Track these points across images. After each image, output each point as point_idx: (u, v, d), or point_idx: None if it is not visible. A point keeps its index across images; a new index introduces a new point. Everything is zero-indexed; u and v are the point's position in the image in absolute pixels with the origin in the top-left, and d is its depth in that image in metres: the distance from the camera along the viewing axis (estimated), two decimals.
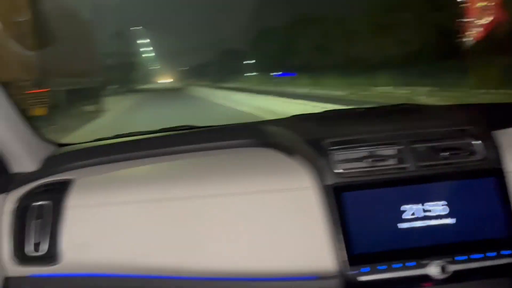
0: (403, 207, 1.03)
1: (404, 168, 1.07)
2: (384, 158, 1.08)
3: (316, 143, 1.11)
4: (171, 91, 35.94)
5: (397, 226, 1.03)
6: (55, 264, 1.06)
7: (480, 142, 1.10)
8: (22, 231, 1.08)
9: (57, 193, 1.12)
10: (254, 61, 54.74)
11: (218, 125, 1.48)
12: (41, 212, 1.09)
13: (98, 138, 1.45)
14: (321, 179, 1.06)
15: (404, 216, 1.03)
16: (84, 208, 1.09)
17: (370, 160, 1.07)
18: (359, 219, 1.03)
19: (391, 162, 1.08)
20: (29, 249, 1.07)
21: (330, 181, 1.05)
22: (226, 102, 17.87)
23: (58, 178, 1.19)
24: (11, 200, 1.12)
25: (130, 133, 1.47)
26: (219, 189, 1.09)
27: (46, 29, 7.40)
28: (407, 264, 1.00)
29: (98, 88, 13.75)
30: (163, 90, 39.25)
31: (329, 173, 1.05)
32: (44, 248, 1.06)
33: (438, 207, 1.04)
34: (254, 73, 54.07)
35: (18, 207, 1.10)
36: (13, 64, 6.39)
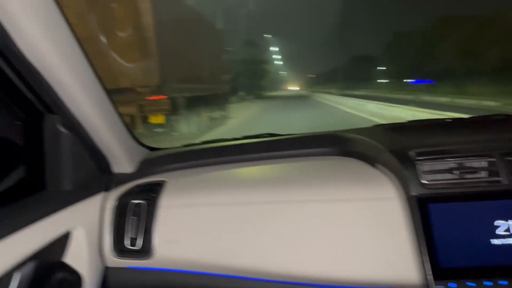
0: (496, 222, 0.96)
1: (497, 181, 0.99)
2: (474, 170, 1.02)
3: (401, 153, 1.08)
4: (298, 98, 35.77)
5: (489, 242, 0.96)
6: (148, 258, 1.13)
7: None
8: (121, 226, 1.17)
9: (152, 193, 1.21)
10: (385, 67, 51.73)
11: (300, 134, 1.49)
12: (137, 210, 1.18)
13: (187, 144, 1.54)
14: (406, 189, 1.02)
15: (497, 231, 0.96)
16: (174, 208, 1.16)
17: (458, 172, 1.01)
18: (446, 232, 0.98)
19: (482, 174, 1.02)
20: (127, 243, 1.15)
21: (416, 192, 1.00)
22: (355, 111, 16.87)
23: (152, 179, 1.27)
24: (112, 197, 1.21)
25: (216, 139, 1.54)
26: (301, 195, 1.10)
27: (169, 35, 7.52)
28: (500, 282, 0.94)
29: (223, 95, 13.87)
30: (290, 97, 39.32)
31: (414, 183, 1.01)
32: (139, 243, 1.15)
33: None
34: (386, 80, 51.39)
35: (118, 204, 1.19)
36: (135, 70, 6.53)
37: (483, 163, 1.03)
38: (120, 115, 1.22)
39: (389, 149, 1.13)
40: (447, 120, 1.49)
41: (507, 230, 0.97)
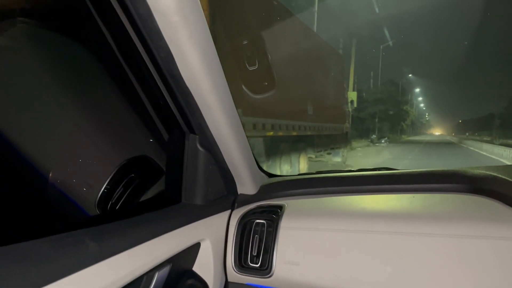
0: None
1: None
2: None
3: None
4: (443, 146, 31.63)
5: None
6: (268, 277, 1.18)
7: None
8: (244, 243, 1.24)
9: (273, 214, 1.26)
10: None
11: (421, 170, 1.37)
12: (259, 230, 1.24)
13: (302, 173, 1.57)
14: None
15: None
16: (293, 230, 1.19)
17: None
18: None
19: None
20: (248, 260, 1.21)
21: None
22: None
23: (272, 202, 1.34)
24: (237, 215, 1.29)
25: (331, 170, 1.56)
26: (427, 228, 1.05)
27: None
28: None
29: (342, 136, 12.26)
30: (432, 144, 35.04)
31: None
32: (259, 261, 1.20)
33: None
34: None
35: (241, 222, 1.27)
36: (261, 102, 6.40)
37: None
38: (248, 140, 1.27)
39: None
40: None
41: None
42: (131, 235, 0.88)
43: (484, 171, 1.25)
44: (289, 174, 1.61)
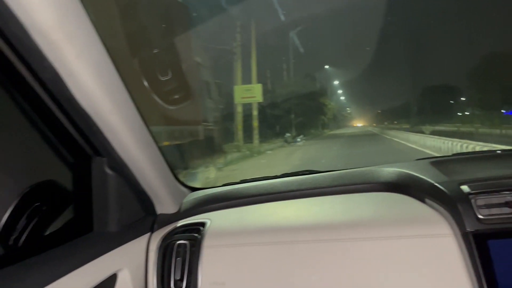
0: None
1: None
2: None
3: (454, 187, 1.08)
4: (365, 138, 30.89)
5: None
6: None
7: None
8: (166, 268, 1.19)
9: (195, 233, 1.22)
10: (471, 97, 45.55)
11: (341, 170, 1.47)
12: (181, 251, 1.20)
13: (227, 183, 1.57)
14: (461, 225, 1.02)
15: None
16: (219, 248, 1.17)
17: None
18: (507, 269, 0.96)
19: None
20: (171, 285, 1.16)
21: (472, 227, 1.00)
22: None
23: (195, 220, 1.30)
24: (157, 238, 1.23)
25: (255, 178, 1.55)
26: (349, 233, 1.09)
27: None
28: None
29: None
30: (355, 136, 34.51)
31: (471, 219, 1.01)
32: (184, 284, 1.15)
33: None
34: (473, 112, 45.44)
35: (162, 245, 1.22)
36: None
37: None
38: (165, 156, 1.22)
39: (439, 182, 1.12)
40: (490, 153, 1.51)
41: None
42: (33, 279, 0.81)
43: (398, 169, 1.32)
44: (211, 186, 1.53)
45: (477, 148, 11.63)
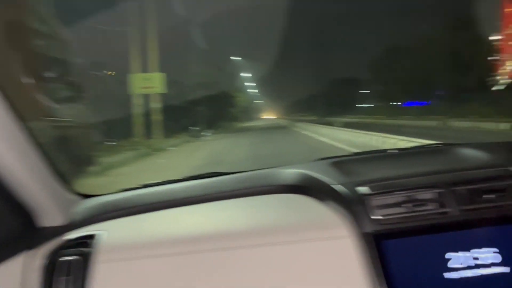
0: (448, 255, 1.00)
1: (446, 212, 1.05)
2: (424, 202, 1.06)
3: (352, 188, 1.11)
4: (275, 130, 30.42)
5: (443, 276, 0.99)
6: None
7: None
8: None
9: (86, 247, 1.11)
10: (374, 89, 48.21)
11: (246, 171, 1.48)
12: (70, 269, 1.08)
13: (125, 189, 1.46)
14: (359, 226, 1.04)
15: (451, 264, 1.00)
16: (114, 263, 1.09)
17: (409, 205, 1.05)
18: (402, 269, 1.00)
19: (431, 206, 1.06)
20: None
21: (369, 228, 1.02)
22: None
23: (87, 232, 1.19)
24: (39, 256, 1.11)
25: (158, 182, 1.47)
26: (250, 240, 1.08)
27: None
28: None
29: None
30: (265, 129, 33.98)
31: (367, 220, 1.03)
32: None
33: (489, 255, 1.01)
34: (377, 103, 48.19)
35: (46, 263, 1.09)
36: None
37: (431, 195, 1.07)
38: (50, 161, 1.15)
39: (338, 184, 1.15)
40: (390, 151, 1.56)
41: (461, 262, 1.00)
42: None
43: (300, 170, 1.33)
44: (108, 192, 1.41)
45: (388, 142, 11.35)
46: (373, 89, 49.07)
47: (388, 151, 1.56)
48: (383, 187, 1.09)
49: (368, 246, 1.01)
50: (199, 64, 28.83)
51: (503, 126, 18.01)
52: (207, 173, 1.49)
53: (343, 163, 1.39)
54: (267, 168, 1.48)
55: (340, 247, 1.04)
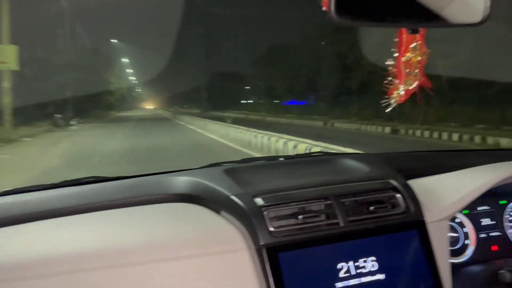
0: (338, 265, 1.05)
1: (334, 224, 1.09)
2: (315, 214, 1.10)
3: (247, 199, 1.10)
4: (155, 122, 28.40)
5: (334, 285, 1.04)
6: None
7: (400, 195, 1.17)
8: None
9: None
10: (259, 86, 49.03)
11: (132, 176, 1.39)
12: None
13: None
14: (254, 239, 1.04)
15: (340, 274, 1.05)
16: None
17: (301, 216, 1.08)
18: (296, 280, 1.02)
19: (322, 218, 1.10)
20: None
21: (264, 240, 1.03)
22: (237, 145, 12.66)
23: None
24: None
25: (23, 188, 1.31)
26: (139, 256, 1.01)
27: None
28: None
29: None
30: (144, 120, 31.56)
31: (262, 232, 1.04)
32: None
33: (369, 263, 1.07)
34: (259, 100, 49.24)
35: None
36: None
37: (321, 206, 1.11)
38: None
39: (234, 194, 1.13)
40: (279, 160, 1.60)
41: (347, 271, 1.04)
42: None
43: (193, 178, 1.29)
44: None
45: (281, 142, 10.94)
46: (257, 86, 50.01)
47: (278, 159, 1.62)
48: (277, 199, 1.10)
49: (263, 259, 1.01)
50: (70, 41, 25.27)
51: (380, 129, 19.47)
52: (85, 178, 1.36)
53: (235, 170, 1.35)
54: (156, 173, 1.42)
55: (236, 260, 1.03)
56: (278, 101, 43.32)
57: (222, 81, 56.16)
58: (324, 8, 0.92)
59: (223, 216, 1.13)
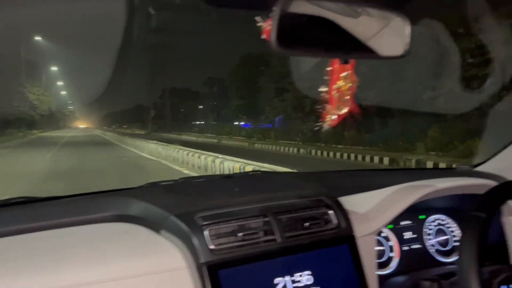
0: (276, 280, 1.10)
1: (272, 240, 1.14)
2: (254, 231, 1.14)
3: (188, 218, 1.13)
4: (92, 147, 23.00)
5: None
6: None
7: (332, 211, 1.25)
8: None
9: None
10: (212, 105, 45.31)
11: (66, 196, 1.39)
12: None
13: None
14: (195, 257, 1.07)
15: None
16: None
17: (241, 233, 1.12)
18: None
19: (260, 234, 1.15)
20: None
21: (205, 259, 1.06)
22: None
23: None
24: None
25: None
26: (77, 278, 1.01)
27: None
28: None
29: None
30: (75, 145, 25.99)
31: (203, 250, 1.07)
32: None
33: (305, 277, 1.14)
34: (208, 122, 45.55)
35: None
36: None
37: (260, 223, 1.15)
38: None
39: (174, 213, 1.15)
40: (217, 178, 1.73)
41: (285, 286, 1.10)
42: None
43: (132, 198, 1.29)
44: None
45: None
46: (213, 106, 46.31)
47: (213, 176, 1.76)
48: (217, 217, 1.13)
49: (203, 278, 1.04)
50: None
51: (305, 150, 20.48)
52: (15, 199, 1.34)
53: (174, 188, 1.42)
54: (93, 193, 1.45)
55: (177, 279, 1.05)
56: (237, 122, 40.04)
57: (172, 100, 51.38)
58: (264, 37, 0.98)
59: (163, 235, 1.13)
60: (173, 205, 1.20)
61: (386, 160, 14.72)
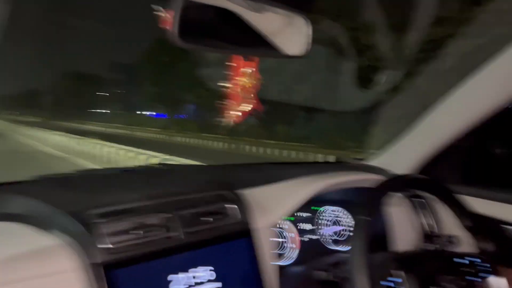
0: (177, 277, 1.10)
1: (173, 236, 1.14)
2: (153, 228, 1.12)
3: (81, 215, 1.08)
4: None
5: None
6: None
7: (232, 205, 1.27)
8: None
9: None
10: (118, 93, 43.21)
11: None
12: None
13: None
14: (87, 257, 1.03)
15: (180, 285, 1.11)
16: None
17: (140, 231, 1.09)
18: None
19: (161, 231, 1.13)
20: None
21: (99, 259, 1.02)
22: None
23: None
24: None
25: None
26: None
27: None
28: None
29: None
30: None
31: (96, 249, 1.03)
32: None
33: (206, 273, 1.15)
34: (113, 111, 43.49)
35: None
36: None
37: (160, 220, 1.13)
38: None
39: (66, 210, 1.11)
40: (116, 171, 1.65)
41: (187, 282, 1.11)
42: None
43: (14, 194, 1.24)
44: None
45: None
46: (120, 94, 44.24)
47: (114, 169, 1.68)
48: (113, 213, 1.09)
49: (99, 278, 1.00)
50: None
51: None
52: None
53: (68, 183, 1.36)
54: None
55: (70, 281, 1.00)
56: (147, 113, 38.92)
57: (75, 85, 47.97)
58: (167, 28, 0.94)
59: (55, 234, 1.08)
60: (65, 201, 1.15)
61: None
